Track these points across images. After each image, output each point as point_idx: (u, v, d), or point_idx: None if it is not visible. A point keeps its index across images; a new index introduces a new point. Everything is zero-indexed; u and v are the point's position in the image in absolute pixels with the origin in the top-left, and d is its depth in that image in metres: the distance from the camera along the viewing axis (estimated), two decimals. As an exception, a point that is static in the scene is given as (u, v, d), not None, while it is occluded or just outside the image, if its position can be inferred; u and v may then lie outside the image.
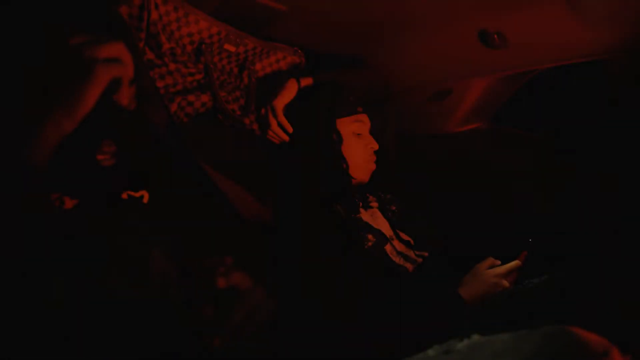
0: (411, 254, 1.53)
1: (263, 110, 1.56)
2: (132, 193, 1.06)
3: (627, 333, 0.80)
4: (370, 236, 1.47)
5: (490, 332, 0.82)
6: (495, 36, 1.63)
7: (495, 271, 1.39)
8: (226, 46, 1.51)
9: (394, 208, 1.64)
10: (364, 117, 1.60)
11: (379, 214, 1.59)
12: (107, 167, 1.02)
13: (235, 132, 1.55)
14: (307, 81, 1.57)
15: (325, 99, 1.54)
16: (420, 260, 1.53)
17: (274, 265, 1.23)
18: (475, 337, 0.81)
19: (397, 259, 1.48)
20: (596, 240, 1.54)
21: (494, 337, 0.78)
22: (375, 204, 1.62)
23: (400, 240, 1.54)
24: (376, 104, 1.72)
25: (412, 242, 1.58)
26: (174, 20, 1.37)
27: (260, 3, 1.45)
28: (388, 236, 1.52)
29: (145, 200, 1.10)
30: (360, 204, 1.56)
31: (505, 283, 1.37)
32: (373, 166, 1.59)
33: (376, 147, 1.58)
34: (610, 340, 0.70)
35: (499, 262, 1.41)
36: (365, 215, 1.54)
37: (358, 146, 1.56)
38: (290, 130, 1.53)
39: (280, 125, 1.53)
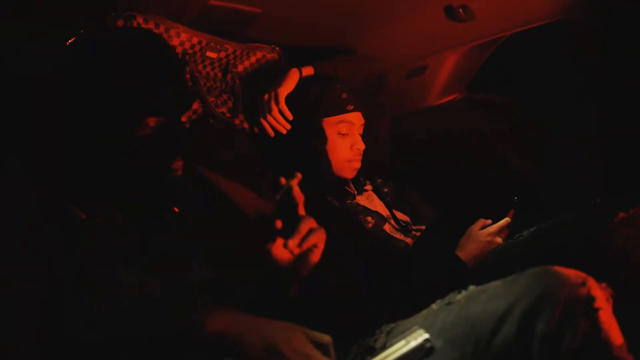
0: (410, 229, 1.62)
1: (266, 96, 1.59)
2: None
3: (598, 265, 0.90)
4: (369, 218, 1.56)
5: (486, 283, 0.91)
6: (461, 10, 1.71)
7: (487, 230, 1.48)
8: (208, 53, 1.58)
9: (386, 190, 1.72)
10: (354, 117, 1.58)
11: (374, 196, 1.67)
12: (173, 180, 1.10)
13: (227, 133, 1.63)
14: (308, 70, 1.61)
15: (313, 97, 1.56)
16: (418, 234, 1.62)
17: None
18: (471, 288, 0.91)
19: (398, 235, 1.57)
20: (571, 192, 1.64)
21: (487, 285, 0.88)
22: (369, 187, 1.69)
23: (397, 218, 1.63)
24: (373, 91, 1.75)
25: (408, 219, 1.67)
26: (157, 36, 1.45)
27: (235, 8, 1.53)
28: (385, 216, 1.60)
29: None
30: (355, 191, 1.64)
31: (499, 240, 1.47)
32: (358, 165, 1.59)
33: (362, 148, 1.58)
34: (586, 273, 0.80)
35: (490, 222, 1.51)
36: (361, 200, 1.62)
37: (342, 146, 1.56)
38: (290, 117, 1.55)
39: (280, 112, 1.56)
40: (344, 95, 1.58)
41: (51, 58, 1.12)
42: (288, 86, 1.57)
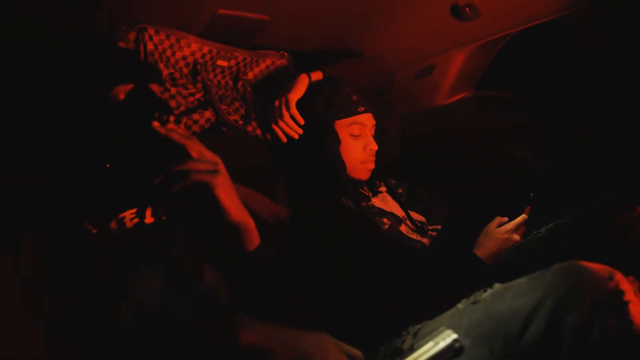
0: (425, 229, 1.62)
1: (277, 102, 1.60)
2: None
3: (619, 259, 0.90)
4: (385, 220, 1.56)
5: (511, 280, 0.91)
6: (467, 8, 1.71)
7: (504, 228, 1.49)
8: (219, 62, 1.59)
9: (400, 191, 1.72)
10: (365, 118, 1.59)
11: (389, 197, 1.67)
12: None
13: (240, 140, 1.63)
14: (317, 75, 1.62)
15: (324, 100, 1.58)
16: (434, 233, 1.62)
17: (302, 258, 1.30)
18: (497, 286, 0.91)
19: (414, 236, 1.57)
20: (586, 186, 1.64)
21: (512, 282, 0.88)
22: (383, 189, 1.70)
23: (413, 219, 1.63)
24: (382, 91, 1.76)
25: (424, 219, 1.67)
26: (168, 47, 1.46)
27: (244, 17, 1.54)
28: (401, 217, 1.61)
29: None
30: (370, 193, 1.64)
31: (516, 237, 1.47)
32: (372, 165, 1.61)
33: (375, 148, 1.59)
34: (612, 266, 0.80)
35: (507, 219, 1.51)
36: (376, 201, 1.62)
37: (356, 148, 1.58)
38: (302, 122, 1.56)
39: (292, 117, 1.57)
40: (354, 97, 1.59)
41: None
42: (298, 91, 1.58)
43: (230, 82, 1.68)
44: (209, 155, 0.98)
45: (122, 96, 1.19)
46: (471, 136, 2.06)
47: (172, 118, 1.08)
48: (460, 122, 2.12)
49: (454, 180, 1.88)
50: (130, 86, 1.20)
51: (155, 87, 1.27)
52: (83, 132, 1.20)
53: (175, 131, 0.96)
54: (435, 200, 1.78)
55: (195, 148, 0.96)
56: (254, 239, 1.06)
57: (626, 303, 0.76)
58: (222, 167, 0.98)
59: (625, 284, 0.78)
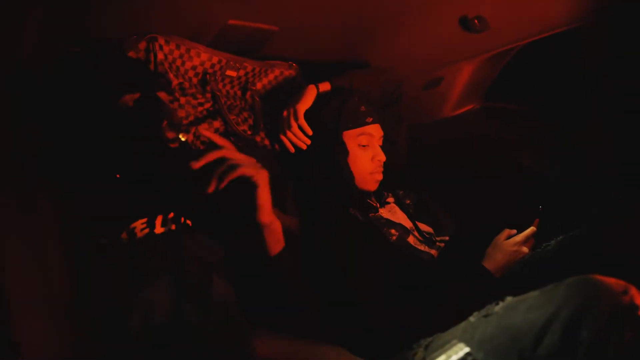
0: (433, 240, 1.62)
1: (285, 113, 1.61)
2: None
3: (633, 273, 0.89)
4: (392, 231, 1.56)
5: (521, 293, 0.91)
6: (476, 21, 1.71)
7: (513, 240, 1.47)
8: (228, 72, 1.60)
9: (408, 202, 1.72)
10: (373, 129, 1.59)
11: (396, 208, 1.67)
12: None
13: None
14: (325, 86, 1.62)
15: (332, 111, 1.57)
16: (442, 245, 1.62)
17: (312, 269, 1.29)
18: (509, 299, 0.91)
19: (422, 247, 1.57)
20: (596, 199, 1.63)
21: (525, 295, 0.87)
22: (391, 199, 1.70)
23: (421, 230, 1.63)
24: (390, 103, 1.76)
25: (431, 230, 1.67)
26: (178, 57, 1.46)
27: (253, 27, 1.54)
28: (409, 228, 1.60)
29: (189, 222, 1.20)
30: (377, 204, 1.64)
31: (525, 249, 1.46)
32: (379, 176, 1.60)
33: (383, 159, 1.58)
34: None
35: (515, 231, 1.50)
36: (384, 212, 1.62)
37: (364, 158, 1.57)
38: (310, 132, 1.56)
39: (300, 128, 1.57)
40: (363, 107, 1.58)
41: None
42: (306, 102, 1.59)
43: (239, 92, 1.69)
44: (246, 156, 1.05)
45: (130, 104, 1.20)
46: (479, 147, 2.06)
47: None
48: (468, 133, 2.12)
49: (462, 192, 1.87)
50: (134, 95, 1.21)
51: (163, 95, 1.28)
52: (91, 141, 1.20)
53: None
54: (443, 211, 1.77)
55: (233, 148, 1.04)
56: (280, 241, 1.12)
57: (641, 317, 0.75)
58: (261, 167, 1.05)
59: (639, 298, 0.77)
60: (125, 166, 1.21)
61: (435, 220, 1.71)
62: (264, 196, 1.07)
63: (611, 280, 0.79)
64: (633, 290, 0.78)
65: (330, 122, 1.56)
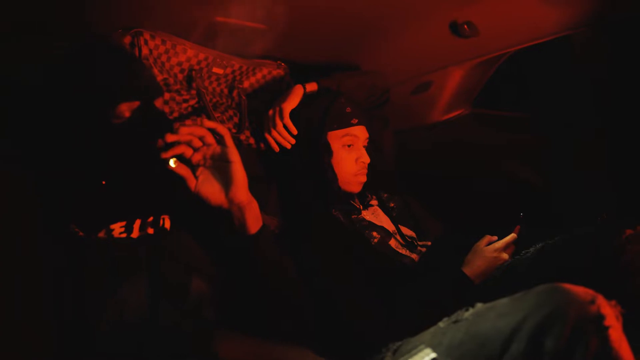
0: (415, 244, 1.61)
1: (270, 112, 1.60)
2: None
3: (606, 283, 0.89)
4: (374, 233, 1.55)
5: (493, 300, 0.90)
6: (465, 26, 1.71)
7: (493, 246, 1.47)
8: (214, 70, 1.59)
9: (392, 205, 1.72)
10: (358, 130, 1.58)
11: (379, 211, 1.66)
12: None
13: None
14: (312, 86, 1.62)
15: (318, 111, 1.57)
16: (424, 249, 1.61)
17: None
18: (479, 306, 0.90)
19: (403, 251, 1.56)
20: (580, 208, 1.63)
21: (495, 302, 0.87)
22: (375, 202, 1.69)
23: (403, 233, 1.62)
24: (377, 106, 1.76)
25: (414, 234, 1.66)
26: (163, 52, 1.46)
27: (241, 25, 1.53)
28: (391, 231, 1.60)
29: (167, 225, 1.20)
30: (361, 206, 1.63)
31: (505, 256, 1.46)
32: (363, 178, 1.60)
33: (367, 161, 1.58)
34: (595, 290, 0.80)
35: (496, 238, 1.50)
36: (367, 215, 1.61)
37: (348, 160, 1.57)
38: (295, 132, 1.56)
39: (285, 127, 1.57)
40: (348, 109, 1.58)
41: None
42: (292, 102, 1.58)
43: (226, 90, 1.68)
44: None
45: (127, 114, 1.16)
46: (467, 153, 2.06)
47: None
48: (457, 138, 2.12)
49: (446, 196, 1.87)
50: (135, 104, 1.17)
51: (159, 103, 1.26)
52: (82, 146, 1.17)
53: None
54: (428, 215, 1.77)
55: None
56: (259, 219, 1.13)
57: (607, 328, 0.75)
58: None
59: (606, 308, 0.77)
60: (111, 174, 1.19)
61: (418, 224, 1.70)
62: (239, 173, 1.08)
63: (579, 289, 0.79)
64: (600, 300, 0.78)
65: (315, 122, 1.56)
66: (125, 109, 1.15)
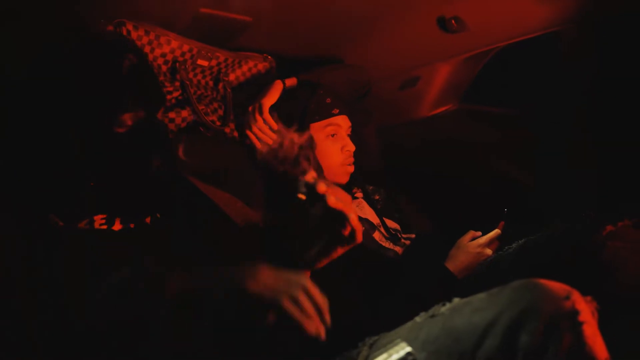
0: (399, 237, 1.61)
1: (250, 108, 1.60)
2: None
3: (585, 278, 0.89)
4: None
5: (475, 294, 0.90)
6: (453, 21, 1.71)
7: (477, 242, 1.48)
8: (199, 61, 1.57)
9: (377, 197, 1.72)
10: (340, 120, 1.59)
11: (364, 203, 1.66)
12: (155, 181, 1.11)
13: (217, 142, 1.62)
14: (291, 81, 1.62)
15: (298, 104, 1.57)
16: (408, 242, 1.61)
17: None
18: (456, 300, 0.90)
19: (387, 244, 1.56)
20: (563, 203, 1.63)
21: (471, 297, 0.87)
22: (360, 194, 1.69)
23: (387, 226, 1.62)
24: (359, 99, 1.76)
25: (398, 227, 1.66)
26: (147, 43, 1.44)
27: (226, 17, 1.52)
28: (375, 224, 1.60)
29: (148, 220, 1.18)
30: None
31: (488, 251, 1.47)
32: (350, 168, 1.60)
33: (352, 149, 1.59)
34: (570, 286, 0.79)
35: (480, 234, 1.50)
36: None
37: (333, 150, 1.58)
38: (275, 127, 1.55)
39: (265, 122, 1.57)
40: (328, 99, 1.59)
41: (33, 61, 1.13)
42: (271, 97, 1.58)
43: (211, 83, 1.67)
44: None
45: (129, 123, 1.12)
46: (453, 148, 2.06)
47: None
48: (444, 134, 2.12)
49: (432, 190, 1.87)
50: (139, 114, 1.13)
51: (160, 113, 1.23)
52: (78, 147, 1.12)
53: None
54: (413, 209, 1.77)
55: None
56: None
57: (581, 323, 0.75)
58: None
59: (581, 304, 0.77)
60: (101, 178, 1.16)
61: (404, 218, 1.70)
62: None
63: (555, 285, 0.79)
64: (575, 295, 0.77)
65: (296, 116, 1.55)
66: (128, 118, 1.11)
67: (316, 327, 0.83)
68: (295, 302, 0.82)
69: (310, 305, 0.84)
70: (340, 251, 0.94)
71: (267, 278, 0.84)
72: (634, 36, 1.71)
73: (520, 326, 0.76)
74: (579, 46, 1.89)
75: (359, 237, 0.92)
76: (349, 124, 1.61)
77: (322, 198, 0.87)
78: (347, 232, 0.89)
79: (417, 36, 1.80)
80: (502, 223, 1.51)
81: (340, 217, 0.88)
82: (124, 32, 1.38)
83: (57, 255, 1.05)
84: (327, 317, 0.85)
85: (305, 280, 0.85)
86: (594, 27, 1.79)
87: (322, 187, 0.87)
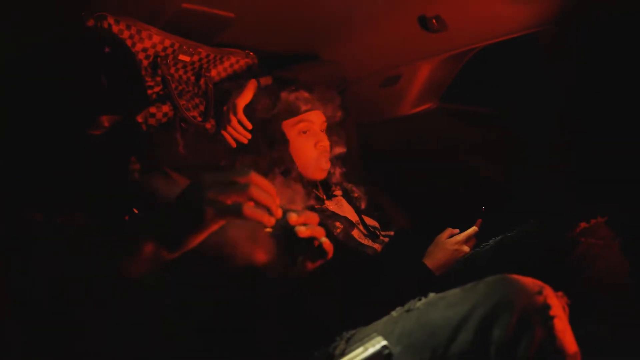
0: (378, 234, 1.62)
1: (225, 108, 1.60)
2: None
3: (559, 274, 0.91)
4: (337, 224, 1.56)
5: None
6: (434, 20, 1.72)
7: (455, 239, 1.50)
8: (181, 57, 1.57)
9: (356, 195, 1.73)
10: (313, 115, 1.60)
11: (343, 201, 1.68)
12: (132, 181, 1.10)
13: (197, 137, 1.62)
14: (266, 80, 1.62)
15: (269, 103, 1.58)
16: (387, 239, 1.62)
17: None
18: (431, 295, 0.91)
19: (366, 241, 1.58)
20: (539, 201, 1.66)
21: (446, 292, 0.88)
22: (339, 192, 1.70)
23: (366, 224, 1.63)
24: (335, 95, 1.73)
25: (377, 224, 1.67)
26: (128, 38, 1.43)
27: (208, 12, 1.52)
28: (354, 221, 1.61)
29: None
30: (324, 196, 1.64)
31: (466, 248, 1.49)
32: (326, 165, 1.60)
33: (327, 144, 1.60)
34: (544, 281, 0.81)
35: (458, 231, 1.52)
36: (330, 205, 1.62)
37: (306, 146, 1.58)
38: (250, 127, 1.56)
39: (240, 122, 1.57)
40: (299, 96, 1.59)
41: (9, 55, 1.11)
42: (245, 97, 1.58)
43: (192, 78, 1.67)
44: None
45: (106, 124, 1.08)
46: (433, 146, 2.08)
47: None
48: (423, 132, 2.13)
49: (412, 189, 1.89)
50: (117, 117, 1.09)
51: (140, 117, 1.21)
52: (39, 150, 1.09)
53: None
54: (392, 207, 1.79)
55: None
56: None
57: (552, 318, 0.76)
58: None
59: (553, 299, 0.78)
60: (75, 181, 1.15)
61: (383, 215, 1.72)
62: None
63: (527, 280, 0.80)
64: (547, 290, 0.79)
65: (268, 114, 1.57)
66: (105, 120, 1.07)
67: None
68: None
69: (267, 197, 0.80)
70: (311, 267, 0.97)
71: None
72: (613, 37, 1.74)
73: (494, 320, 0.77)
74: (559, 47, 1.91)
75: (330, 255, 0.95)
76: (323, 119, 1.62)
77: (292, 230, 0.88)
78: (318, 252, 0.92)
79: (398, 35, 1.82)
80: (479, 220, 1.53)
81: (310, 241, 0.91)
82: (105, 26, 1.37)
83: (36, 250, 1.05)
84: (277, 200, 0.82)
85: (251, 173, 0.80)
86: (574, 28, 1.82)
87: (292, 219, 0.87)
